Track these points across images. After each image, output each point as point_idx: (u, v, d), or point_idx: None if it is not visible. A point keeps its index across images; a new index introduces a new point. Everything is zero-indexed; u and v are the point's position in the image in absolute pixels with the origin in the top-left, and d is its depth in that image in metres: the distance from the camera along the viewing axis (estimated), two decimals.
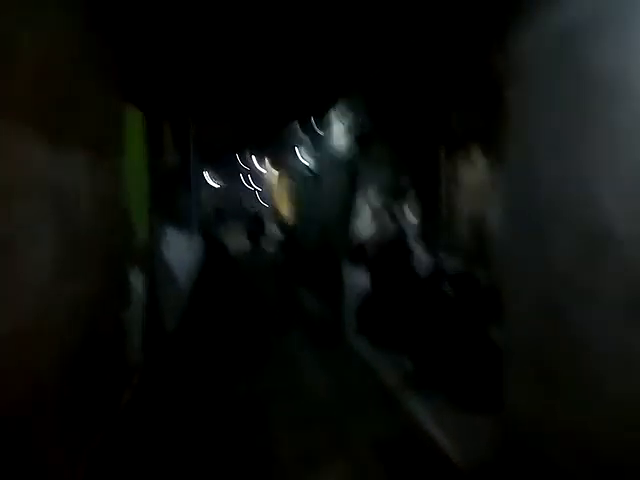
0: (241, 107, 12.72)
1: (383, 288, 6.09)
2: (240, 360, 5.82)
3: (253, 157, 24.63)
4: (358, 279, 6.63)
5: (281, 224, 19.48)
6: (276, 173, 22.35)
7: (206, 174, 27.10)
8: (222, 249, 11.26)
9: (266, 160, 23.30)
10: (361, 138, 8.01)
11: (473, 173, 5.07)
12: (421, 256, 5.83)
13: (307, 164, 12.99)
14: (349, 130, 9.03)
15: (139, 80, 5.34)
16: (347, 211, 9.40)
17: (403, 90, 6.02)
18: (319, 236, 11.59)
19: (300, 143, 11.98)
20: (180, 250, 5.96)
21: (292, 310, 8.20)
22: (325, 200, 11.18)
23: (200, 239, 8.19)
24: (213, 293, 7.87)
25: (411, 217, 6.26)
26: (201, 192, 20.48)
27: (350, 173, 9.22)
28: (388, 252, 6.03)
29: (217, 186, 31.52)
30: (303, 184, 13.77)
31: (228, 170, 30.22)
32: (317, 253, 11.55)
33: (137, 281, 4.79)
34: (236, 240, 18.03)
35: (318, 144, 11.76)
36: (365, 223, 6.72)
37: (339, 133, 9.99)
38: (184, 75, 6.07)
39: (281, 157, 16.77)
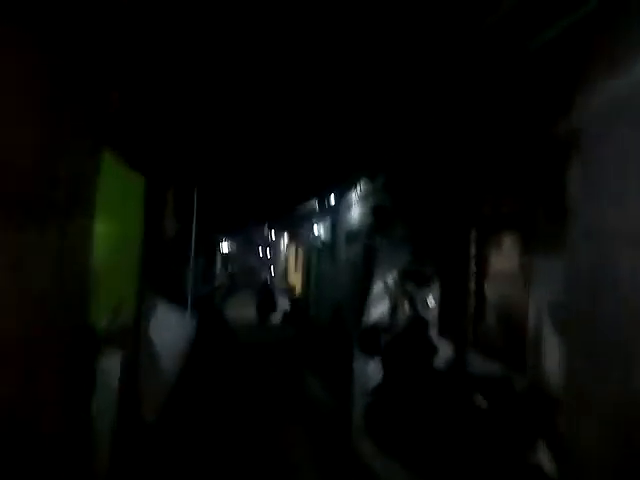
0: (255, 180, 12.46)
1: (397, 385, 5.28)
2: (227, 467, 4.96)
3: (267, 227, 24.44)
4: (369, 369, 5.83)
5: (291, 295, 18.78)
6: (288, 243, 21.92)
7: (222, 243, 26.97)
8: (220, 325, 10.52)
9: (279, 230, 23.03)
10: (381, 216, 7.46)
11: (508, 263, 4.41)
12: (444, 353, 5.06)
13: (321, 236, 12.51)
14: (368, 207, 8.53)
15: (144, 143, 4.89)
16: (361, 290, 8.72)
17: (430, 168, 5.51)
18: (331, 313, 10.87)
19: (315, 216, 11.51)
20: (170, 329, 5.28)
21: (294, 400, 7.30)
22: (339, 275, 10.58)
23: (194, 314, 7.45)
24: (205, 377, 7.07)
25: (433, 306, 5.54)
26: (215, 260, 20.08)
27: (367, 250, 8.62)
28: (405, 343, 5.28)
29: (229, 252, 31.22)
30: (316, 256, 13.19)
31: (242, 238, 30.12)
32: (327, 332, 10.76)
33: (111, 366, 4.08)
34: (244, 311, 17.29)
35: (334, 217, 11.32)
36: (380, 306, 6.01)
37: (357, 209, 9.52)
38: (194, 142, 5.65)
39: (295, 228, 16.36)
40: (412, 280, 5.80)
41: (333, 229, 11.68)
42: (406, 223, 6.37)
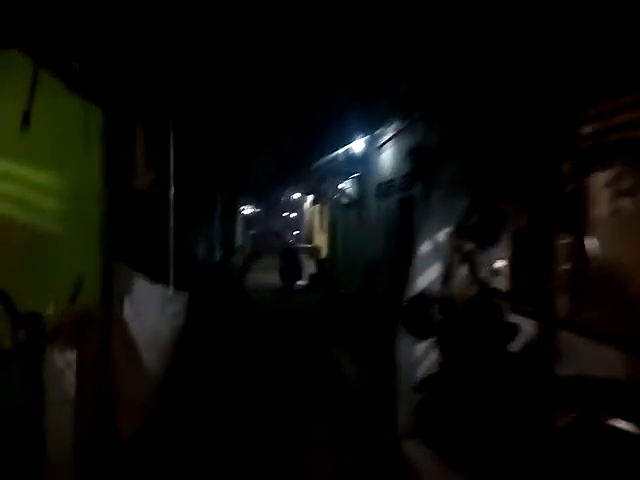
0: (274, 128, 11.04)
1: (461, 374, 3.97)
2: None
3: (291, 187, 23.06)
4: (416, 353, 4.54)
5: (316, 258, 17.55)
6: (312, 202, 20.55)
7: (244, 206, 25.73)
8: (234, 295, 9.35)
9: (303, 190, 21.62)
10: (422, 159, 6.02)
11: (627, 204, 2.98)
12: (524, 332, 3.72)
13: (348, 192, 11.10)
14: (403, 151, 7.07)
15: (100, 62, 3.52)
16: (398, 252, 7.34)
17: (500, 78, 4.00)
18: (361, 278, 9.57)
19: (341, 169, 10.05)
20: (153, 311, 4.06)
21: (322, 387, 6.09)
22: (369, 235, 9.22)
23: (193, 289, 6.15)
24: (205, 370, 5.88)
25: (502, 270, 4.16)
26: (234, 222, 18.92)
27: (404, 203, 7.21)
28: (469, 321, 3.94)
29: (251, 213, 30.06)
30: (343, 214, 11.78)
31: (266, 200, 28.84)
32: (357, 299, 9.48)
33: (61, 369, 2.88)
34: (267, 276, 16.15)
35: (362, 168, 9.86)
36: (428, 272, 4.65)
37: (389, 155, 8.04)
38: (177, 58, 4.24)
39: (319, 185, 14.93)
40: (471, 238, 4.40)
41: (361, 182, 10.24)
42: (459, 164, 4.92)
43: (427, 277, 4.63)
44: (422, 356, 4.48)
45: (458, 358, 3.99)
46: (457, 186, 4.82)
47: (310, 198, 20.83)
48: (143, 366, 3.63)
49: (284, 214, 33.27)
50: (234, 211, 18.46)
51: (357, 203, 10.70)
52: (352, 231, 11.25)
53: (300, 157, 12.59)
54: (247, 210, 28.03)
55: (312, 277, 14.37)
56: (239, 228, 21.41)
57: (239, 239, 20.73)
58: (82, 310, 3.17)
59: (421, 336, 4.36)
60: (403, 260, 7.27)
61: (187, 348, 5.49)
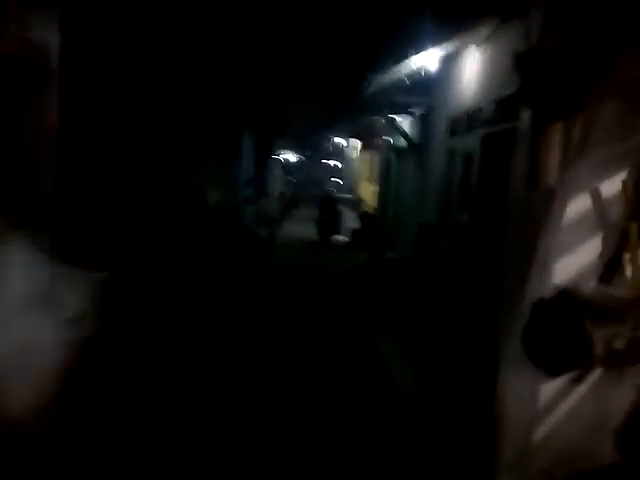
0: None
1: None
2: None
3: (336, 132, 20.80)
4: (549, 392, 2.57)
5: (361, 210, 15.54)
6: (360, 149, 18.29)
7: (285, 150, 23.70)
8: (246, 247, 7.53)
9: (350, 134, 19.34)
10: (540, 64, 3.91)
11: None
12: None
13: (406, 132, 8.94)
14: (503, 55, 4.92)
15: None
16: (484, 210, 5.29)
17: None
18: (417, 239, 7.59)
19: (398, 92, 7.85)
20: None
21: (356, 412, 4.11)
22: (433, 184, 7.11)
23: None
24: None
25: None
26: (266, 164, 17.03)
27: (496, 140, 5.12)
28: None
29: (292, 159, 28.04)
30: (398, 160, 9.62)
31: (306, 142, 26.64)
32: (412, 267, 7.53)
33: None
34: (303, 228, 14.31)
35: (428, 99, 7.68)
36: (570, 255, 2.64)
37: (476, 67, 5.81)
38: None
39: (368, 127, 12.71)
40: None
41: (426, 117, 8.06)
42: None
43: (567, 264, 2.60)
44: (555, 398, 2.52)
45: None
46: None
47: (357, 143, 18.59)
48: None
49: (327, 161, 31.06)
50: (269, 154, 16.52)
51: (418, 146, 8.57)
52: (409, 181, 9.18)
53: (348, 90, 10.45)
54: (287, 155, 26.03)
55: (355, 233, 12.45)
56: (276, 174, 19.53)
57: (276, 186, 18.88)
58: None
59: (561, 369, 2.40)
60: (489, 223, 5.23)
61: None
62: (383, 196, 11.72)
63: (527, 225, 4.03)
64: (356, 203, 16.10)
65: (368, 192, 15.88)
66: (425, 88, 7.38)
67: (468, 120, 5.95)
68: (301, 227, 14.62)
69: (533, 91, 4.22)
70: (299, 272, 8.98)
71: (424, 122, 8.33)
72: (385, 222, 10.83)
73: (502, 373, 2.63)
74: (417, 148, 8.69)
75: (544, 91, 4.09)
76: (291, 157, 26.69)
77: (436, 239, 6.83)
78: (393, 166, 10.56)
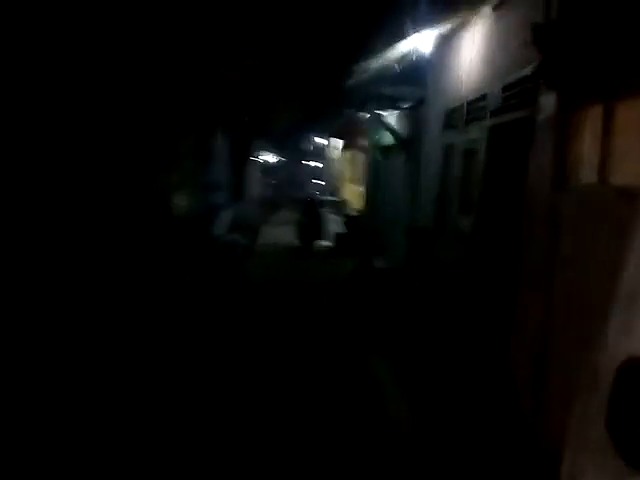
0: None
1: None
2: None
3: (318, 131, 19.99)
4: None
5: (346, 213, 14.75)
6: (343, 148, 17.49)
7: (263, 151, 22.75)
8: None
9: (332, 134, 18.55)
10: (565, 37, 3.15)
11: None
12: None
13: (395, 129, 8.17)
14: (513, 30, 4.18)
15: None
16: (491, 214, 4.50)
17: None
18: (411, 246, 6.81)
19: (386, 83, 7.08)
20: None
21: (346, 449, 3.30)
22: (426, 184, 6.33)
23: None
24: None
25: None
26: (243, 165, 16.14)
27: (507, 131, 4.37)
28: None
29: (273, 161, 27.14)
30: (385, 157, 8.83)
31: (288, 146, 25.79)
32: (405, 278, 6.75)
33: None
34: (283, 233, 13.47)
35: (420, 91, 6.90)
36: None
37: (475, 47, 5.05)
38: None
39: (352, 125, 11.92)
40: None
41: (415, 112, 7.29)
42: None
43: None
44: None
45: None
46: None
47: (339, 143, 17.80)
48: None
49: (308, 162, 30.24)
50: (246, 156, 15.62)
51: (408, 142, 7.81)
52: (399, 181, 8.41)
53: (330, 84, 9.65)
54: (266, 156, 25.13)
55: (340, 238, 11.65)
56: (255, 176, 18.63)
57: (254, 189, 17.99)
58: None
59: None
60: (498, 229, 4.46)
61: None
62: (370, 198, 10.94)
63: (551, 232, 3.25)
64: (340, 206, 15.31)
65: (353, 194, 15.09)
66: (415, 77, 6.60)
67: (468, 111, 5.17)
68: (282, 232, 13.78)
69: (558, 69, 3.46)
70: (280, 282, 8.14)
71: (414, 116, 7.55)
72: (373, 226, 10.04)
73: (567, 461, 1.83)
74: (407, 145, 7.92)
75: (573, 68, 3.33)
76: (270, 158, 25.79)
77: (431, 246, 6.05)
78: (380, 166, 9.78)
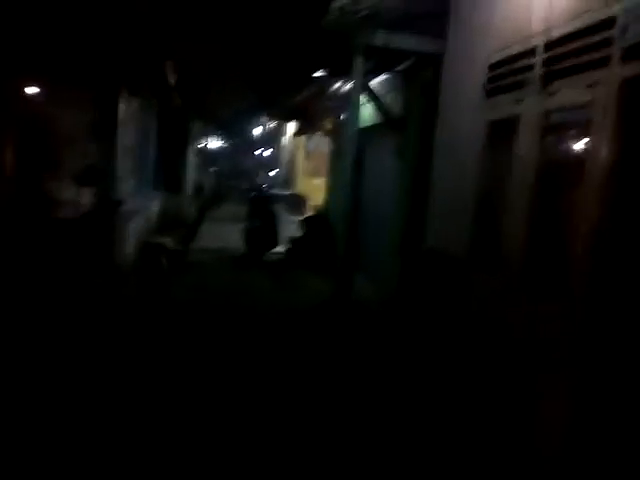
0: None
1: None
2: None
3: (267, 114, 17.39)
4: None
5: (303, 210, 12.36)
6: (296, 133, 14.99)
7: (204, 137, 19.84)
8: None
9: (283, 117, 16.01)
10: None
11: None
12: None
13: (378, 100, 5.79)
14: None
15: None
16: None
17: None
18: (407, 267, 4.53)
19: (369, 48, 4.71)
20: None
21: None
22: (439, 183, 4.03)
23: None
24: None
25: None
26: (182, 152, 13.41)
27: None
28: None
29: (215, 146, 24.27)
30: (360, 144, 6.41)
31: (232, 127, 22.93)
32: (404, 310, 4.46)
33: None
34: (226, 234, 10.91)
35: (426, 35, 4.58)
36: None
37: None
38: None
39: (312, 99, 9.47)
40: None
41: (418, 74, 4.94)
42: None
43: None
44: None
45: None
46: None
47: (293, 126, 15.34)
48: None
49: (256, 150, 27.50)
50: (183, 139, 12.89)
51: (402, 122, 5.48)
52: (385, 177, 6.11)
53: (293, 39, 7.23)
54: (208, 142, 22.29)
55: (296, 243, 9.27)
56: (193, 163, 15.87)
57: (191, 178, 15.24)
58: None
59: None
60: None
61: None
62: (338, 194, 8.58)
63: None
64: (295, 200, 12.85)
65: (310, 188, 12.72)
66: (430, 14, 4.27)
67: (553, 58, 2.91)
68: (225, 232, 11.22)
69: None
70: (216, 311, 5.69)
71: (417, 83, 5.24)
72: (343, 232, 7.68)
73: None
74: (400, 126, 5.62)
75: None
76: (213, 144, 22.95)
77: (460, 287, 3.79)
78: (351, 154, 7.42)
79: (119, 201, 6.37)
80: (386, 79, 6.02)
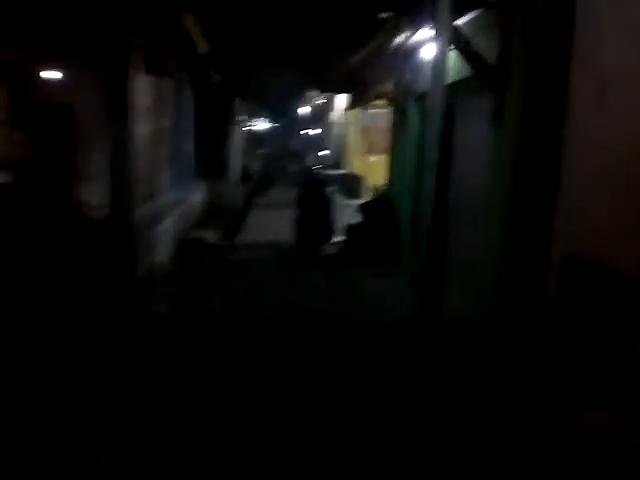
0: None
1: None
2: None
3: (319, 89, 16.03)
4: None
5: (359, 195, 10.98)
6: (348, 107, 13.54)
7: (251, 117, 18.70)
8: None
9: (335, 91, 14.58)
10: None
11: None
12: None
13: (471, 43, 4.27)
14: None
15: None
16: None
17: None
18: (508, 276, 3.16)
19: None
20: None
21: None
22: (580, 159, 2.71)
23: None
24: None
25: None
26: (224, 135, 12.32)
27: None
28: None
29: (263, 128, 23.13)
30: (437, 105, 4.92)
31: (278, 108, 21.68)
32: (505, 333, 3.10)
33: None
34: (274, 223, 9.75)
35: None
36: None
37: None
38: None
39: (369, 63, 8.01)
40: None
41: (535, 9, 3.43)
42: None
43: None
44: None
45: None
46: None
47: (341, 101, 13.91)
48: None
49: (304, 130, 26.16)
50: (226, 121, 11.78)
51: (504, 74, 3.98)
52: (476, 150, 4.67)
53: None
54: (255, 124, 21.18)
55: (354, 233, 7.97)
56: (239, 146, 14.78)
57: (236, 163, 14.16)
58: None
59: None
60: None
61: None
62: (404, 173, 7.15)
63: None
64: (349, 183, 11.48)
65: (367, 166, 11.31)
66: None
67: None
68: (274, 221, 10.06)
69: None
70: (263, 335, 4.48)
71: (515, 15, 3.74)
72: (414, 223, 6.27)
73: None
74: (499, 79, 4.14)
75: None
76: (259, 125, 21.82)
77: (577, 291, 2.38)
78: (437, 120, 5.95)
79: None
80: (476, 17, 4.51)
